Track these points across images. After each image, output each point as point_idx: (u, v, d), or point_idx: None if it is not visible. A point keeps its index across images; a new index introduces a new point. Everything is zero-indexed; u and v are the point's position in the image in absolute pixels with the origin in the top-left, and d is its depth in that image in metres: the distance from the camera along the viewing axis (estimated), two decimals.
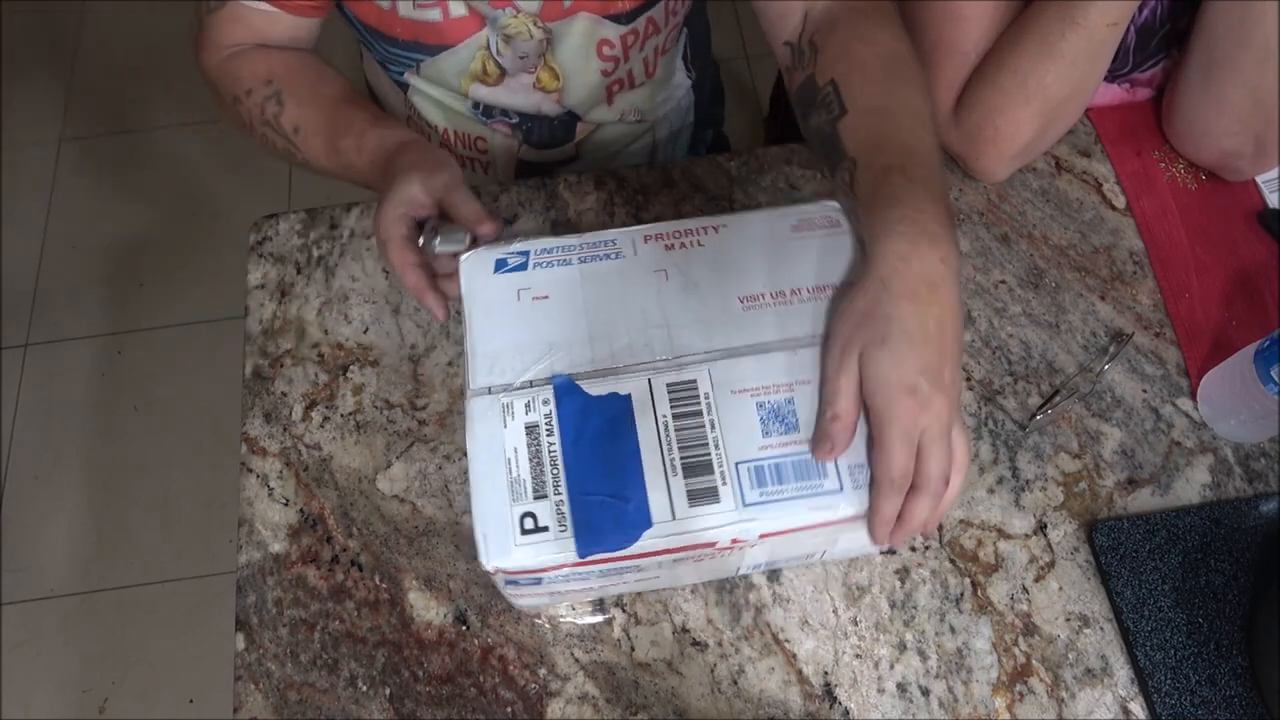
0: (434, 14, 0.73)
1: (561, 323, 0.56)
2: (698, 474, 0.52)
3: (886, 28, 0.62)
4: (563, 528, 0.50)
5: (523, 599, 0.59)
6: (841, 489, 0.52)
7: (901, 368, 0.50)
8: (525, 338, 0.55)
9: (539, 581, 0.53)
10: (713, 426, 0.53)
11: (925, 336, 0.50)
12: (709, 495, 0.51)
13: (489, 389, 0.54)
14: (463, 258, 0.59)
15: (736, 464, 0.52)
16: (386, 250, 0.61)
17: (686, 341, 0.55)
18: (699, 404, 0.53)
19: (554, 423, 0.53)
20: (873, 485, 0.51)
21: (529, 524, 0.50)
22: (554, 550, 0.50)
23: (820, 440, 0.52)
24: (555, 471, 0.51)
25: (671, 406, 0.53)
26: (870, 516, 0.52)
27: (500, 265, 0.58)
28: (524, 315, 0.56)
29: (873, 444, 0.51)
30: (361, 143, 0.67)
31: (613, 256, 0.58)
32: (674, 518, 0.51)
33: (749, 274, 0.58)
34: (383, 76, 0.87)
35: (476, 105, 0.84)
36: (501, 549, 0.50)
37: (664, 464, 0.52)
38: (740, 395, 0.53)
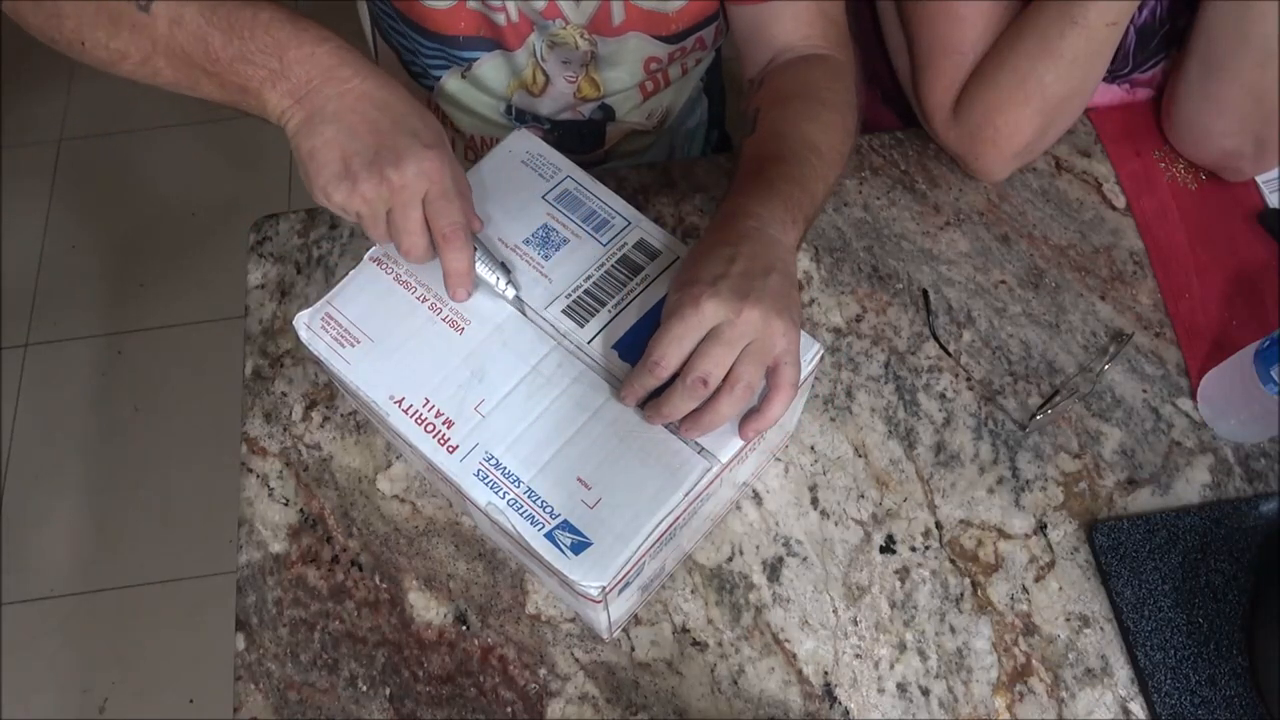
0: (499, 18, 0.73)
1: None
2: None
3: (827, 75, 0.67)
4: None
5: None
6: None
7: (688, 272, 0.51)
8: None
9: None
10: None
11: (718, 257, 0.52)
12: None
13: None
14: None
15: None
16: (458, 236, 0.52)
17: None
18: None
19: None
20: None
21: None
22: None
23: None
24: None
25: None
26: (626, 380, 0.52)
27: None
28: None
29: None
30: (276, 16, 0.50)
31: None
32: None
33: None
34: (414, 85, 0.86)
35: (509, 110, 0.84)
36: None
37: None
38: None
